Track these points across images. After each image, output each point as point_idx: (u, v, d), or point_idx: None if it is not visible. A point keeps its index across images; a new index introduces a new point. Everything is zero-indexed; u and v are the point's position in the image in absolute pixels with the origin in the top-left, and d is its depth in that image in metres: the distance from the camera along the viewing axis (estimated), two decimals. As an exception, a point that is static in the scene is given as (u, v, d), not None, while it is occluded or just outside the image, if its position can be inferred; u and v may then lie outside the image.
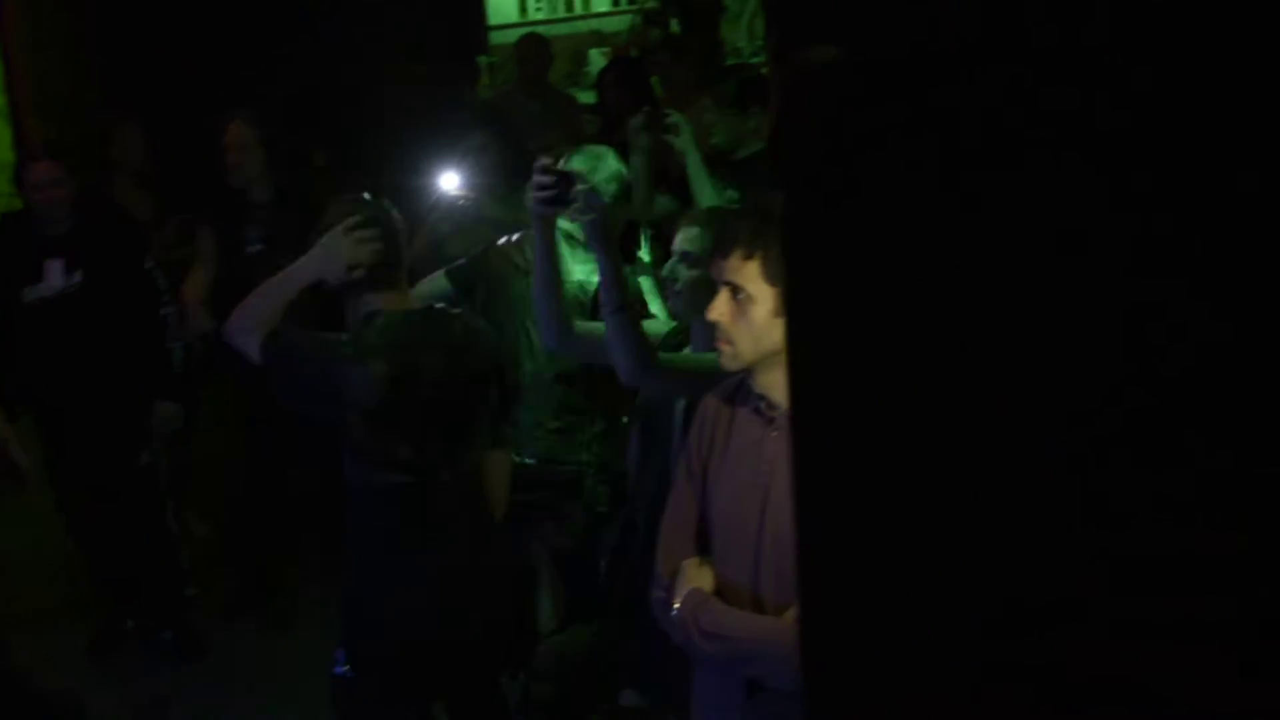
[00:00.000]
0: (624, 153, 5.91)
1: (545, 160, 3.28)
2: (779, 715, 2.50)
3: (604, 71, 7.24)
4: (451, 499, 3.45)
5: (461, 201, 4.86)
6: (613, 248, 3.18)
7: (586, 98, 8.14)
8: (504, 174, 5.06)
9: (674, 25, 9.69)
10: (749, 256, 2.55)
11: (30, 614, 5.68)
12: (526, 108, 7.33)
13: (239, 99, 5.84)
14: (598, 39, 10.34)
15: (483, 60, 9.52)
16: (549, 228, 3.31)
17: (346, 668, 3.45)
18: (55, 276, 5.03)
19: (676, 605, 2.62)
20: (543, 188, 3.22)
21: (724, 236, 2.63)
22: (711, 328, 2.66)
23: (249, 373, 4.35)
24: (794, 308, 1.17)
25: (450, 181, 4.92)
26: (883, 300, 1.14)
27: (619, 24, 10.53)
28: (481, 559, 3.54)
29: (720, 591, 2.61)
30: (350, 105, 8.27)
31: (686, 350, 3.42)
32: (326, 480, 4.87)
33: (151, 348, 5.22)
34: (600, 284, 3.19)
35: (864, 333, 1.16)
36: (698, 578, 2.64)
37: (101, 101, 8.46)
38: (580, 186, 3.16)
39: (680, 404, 3.31)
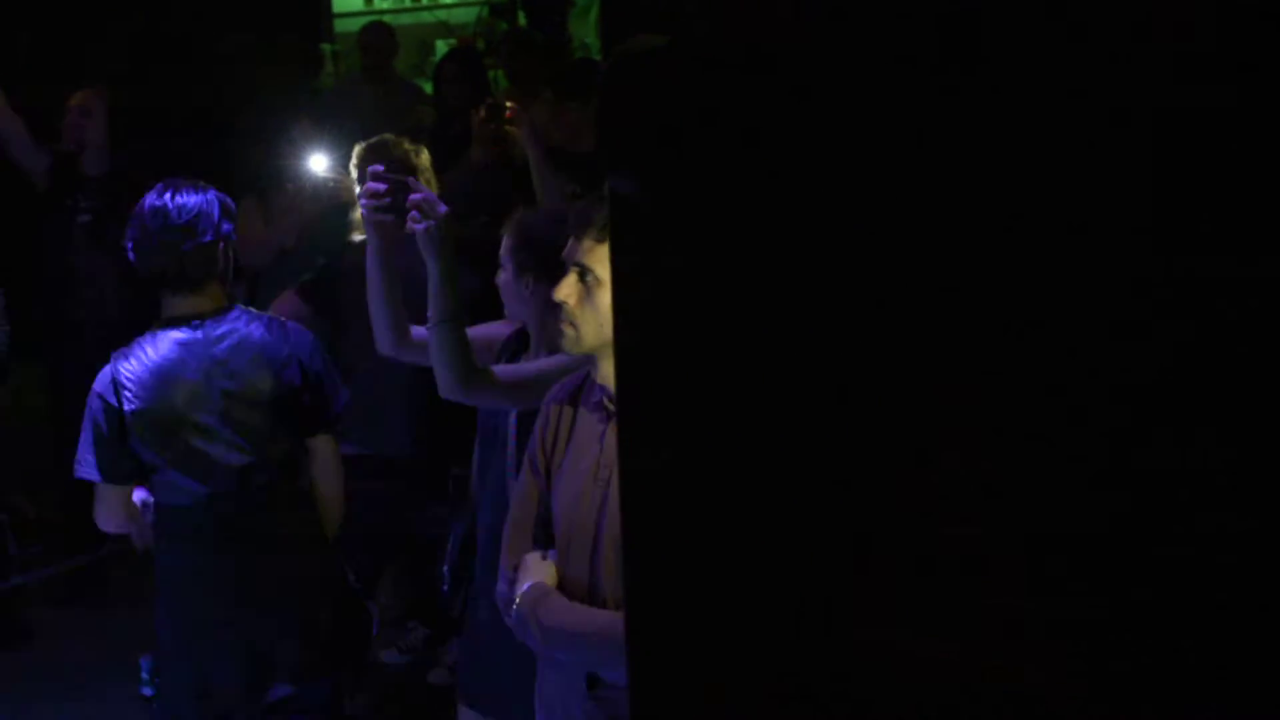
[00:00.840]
0: (463, 143, 5.88)
1: (377, 168, 3.25)
2: (619, 707, 2.51)
3: (443, 62, 7.17)
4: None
5: (331, 183, 4.78)
6: (445, 256, 3.13)
7: (432, 88, 8.07)
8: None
9: (521, 18, 9.66)
10: (601, 239, 2.54)
11: None
12: (370, 98, 7.25)
13: (73, 70, 5.73)
14: (444, 30, 10.26)
15: (327, 48, 9.38)
16: (384, 233, 3.27)
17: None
18: None
19: (518, 597, 2.61)
20: (375, 195, 3.18)
21: (578, 219, 2.62)
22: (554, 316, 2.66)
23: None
24: (618, 292, 1.18)
25: (320, 163, 4.83)
26: (700, 285, 1.15)
27: (466, 15, 10.46)
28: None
29: (562, 587, 2.61)
30: (189, 86, 8.09)
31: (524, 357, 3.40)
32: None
33: None
34: (429, 293, 3.13)
35: (682, 317, 1.17)
36: (539, 572, 2.64)
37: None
38: (416, 195, 3.12)
39: (513, 411, 3.30)
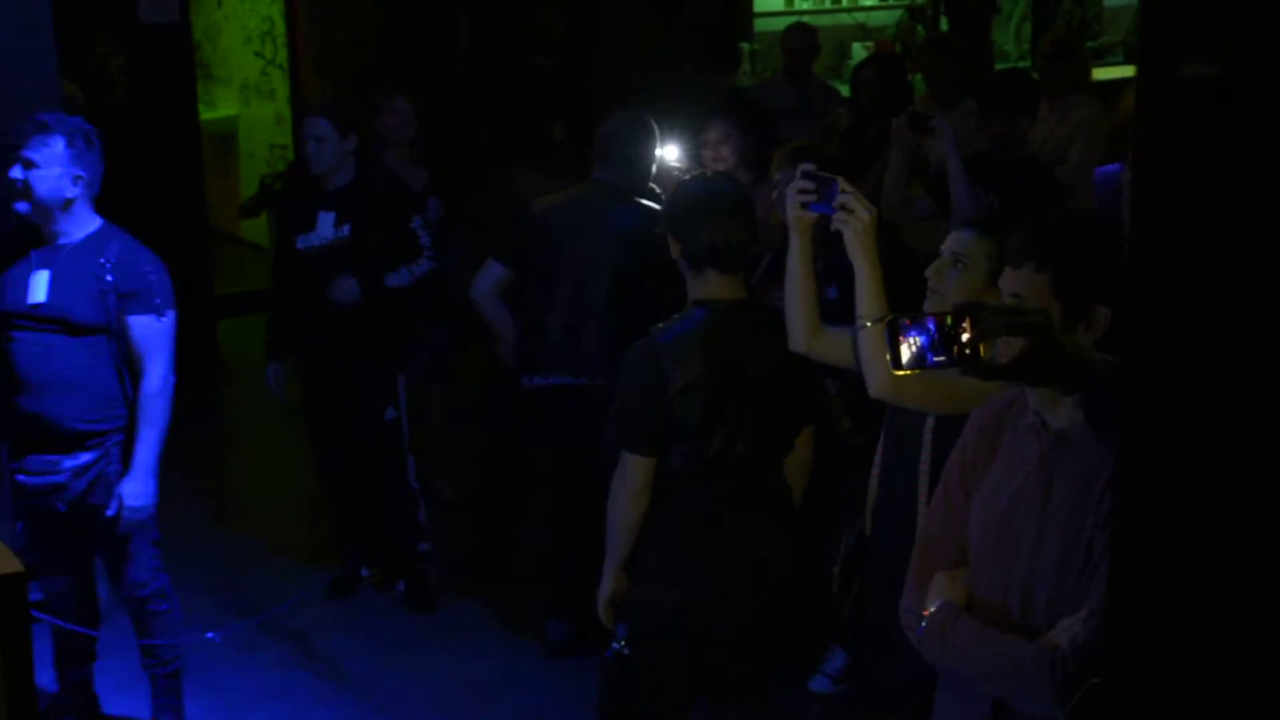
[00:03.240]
0: (876, 149, 5.86)
1: (807, 165, 3.27)
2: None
3: (860, 66, 7.14)
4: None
5: (678, 174, 4.86)
6: (873, 255, 3.14)
7: (848, 90, 8.07)
8: (742, 167, 5.06)
9: (943, 23, 9.54)
10: (1041, 269, 2.48)
11: (274, 554, 5.96)
12: (788, 98, 7.33)
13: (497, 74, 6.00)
14: (862, 32, 10.24)
15: (745, 46, 9.53)
16: (805, 230, 3.30)
17: (622, 645, 3.52)
18: (326, 228, 5.27)
19: (926, 615, 2.58)
20: (804, 191, 3.21)
21: (1017, 247, 2.55)
22: None
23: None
24: (1135, 327, 1.14)
25: (671, 153, 4.93)
26: (1231, 324, 1.11)
27: (885, 18, 10.41)
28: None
29: (971, 609, 2.56)
30: (606, 80, 8.39)
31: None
32: (562, 452, 5.01)
33: (404, 309, 5.44)
34: (858, 292, 3.14)
35: (1207, 348, 1.13)
36: (949, 591, 2.60)
37: (378, 64, 8.79)
38: (844, 192, 3.13)
39: (931, 418, 3.26)
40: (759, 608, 3.52)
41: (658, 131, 4.93)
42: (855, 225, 3.12)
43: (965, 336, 2.26)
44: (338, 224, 5.27)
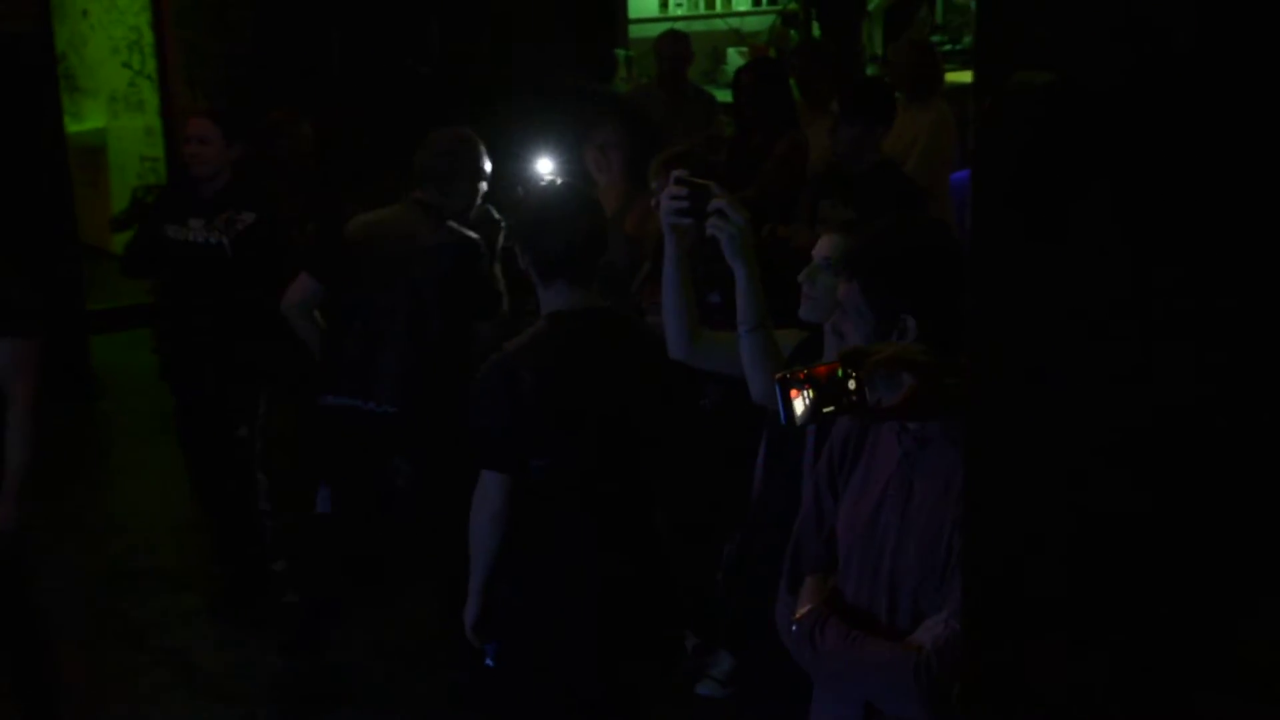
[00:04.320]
0: (761, 155, 5.92)
1: (681, 171, 3.28)
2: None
3: (741, 71, 7.19)
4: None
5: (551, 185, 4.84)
6: (751, 261, 3.16)
7: (723, 96, 8.14)
8: (627, 174, 5.07)
9: (815, 29, 9.65)
10: (852, 279, 2.57)
11: (148, 571, 5.84)
12: (664, 104, 7.36)
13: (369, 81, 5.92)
14: (737, 38, 10.34)
15: (621, 53, 9.57)
16: (681, 238, 3.31)
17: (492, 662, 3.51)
18: (197, 232, 5.18)
19: (796, 619, 2.60)
20: (678, 198, 3.21)
21: (841, 259, 2.65)
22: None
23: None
24: (976, 330, 1.17)
25: (545, 165, 4.88)
26: (1070, 329, 1.13)
27: (759, 24, 10.53)
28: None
29: (842, 611, 2.59)
30: (478, 84, 8.35)
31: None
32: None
33: (268, 325, 5.28)
34: (738, 299, 3.16)
35: (1046, 359, 1.16)
36: (820, 595, 2.62)
37: (250, 75, 8.66)
38: (716, 200, 3.15)
39: None
40: (625, 615, 3.54)
41: (482, 148, 4.79)
42: (730, 231, 3.14)
43: (852, 385, 2.29)
44: (208, 229, 5.19)
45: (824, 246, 3.30)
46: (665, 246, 3.34)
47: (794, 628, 2.60)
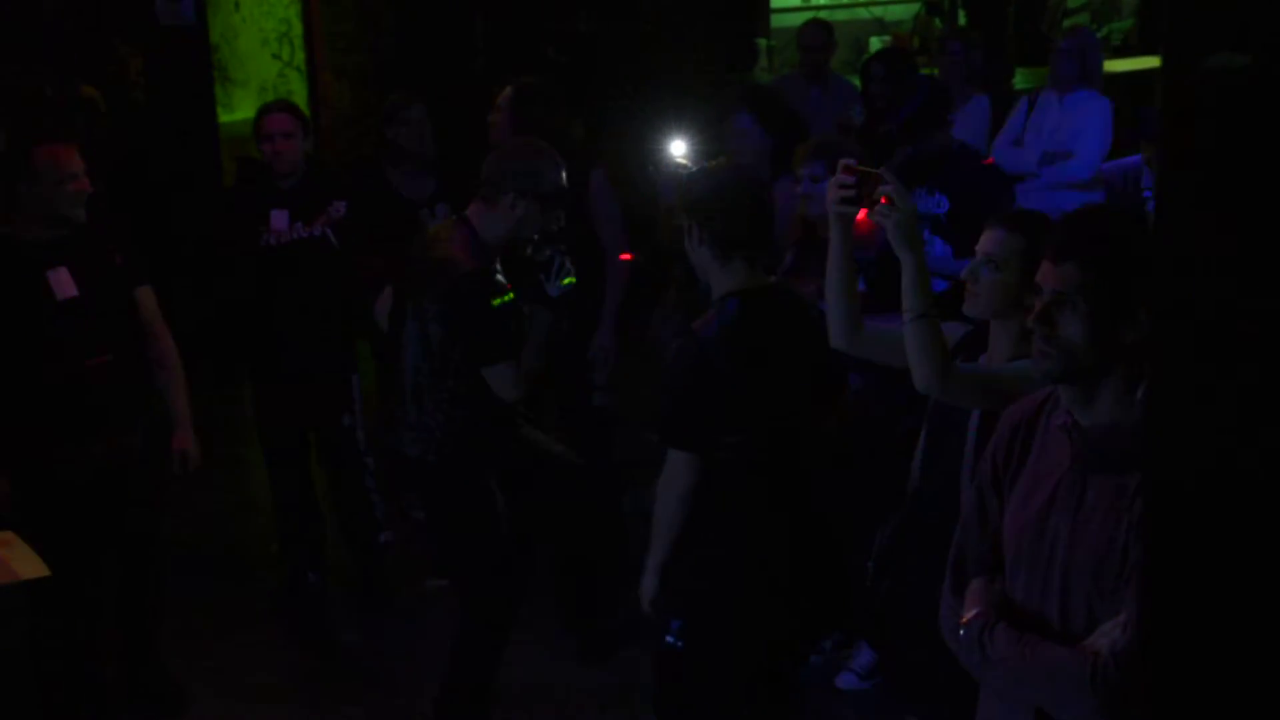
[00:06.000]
0: (890, 145, 5.83)
1: (849, 160, 3.26)
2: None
3: (869, 62, 7.12)
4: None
5: (682, 171, 4.78)
6: (918, 249, 3.12)
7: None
8: (765, 161, 5.04)
9: (961, 17, 9.51)
10: (1086, 266, 2.43)
11: (231, 562, 5.98)
12: (806, 94, 7.30)
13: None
14: (879, 26, 10.23)
15: (762, 43, 9.52)
16: (847, 226, 3.29)
17: (675, 639, 3.52)
18: (281, 224, 5.19)
19: (964, 623, 2.54)
20: (844, 186, 3.20)
21: (1059, 242, 2.50)
22: (1020, 333, 2.57)
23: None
24: (1165, 325, 1.13)
25: (677, 149, 4.84)
26: (1262, 317, 1.09)
27: (902, 12, 10.40)
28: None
29: (1008, 612, 2.54)
30: (620, 74, 8.36)
31: (984, 357, 3.34)
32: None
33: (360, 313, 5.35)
34: (903, 287, 3.13)
35: (1240, 344, 1.11)
36: (986, 597, 2.56)
37: (395, 65, 8.79)
38: (885, 186, 3.12)
39: (976, 412, 3.24)
40: (810, 595, 3.54)
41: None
42: (897, 218, 3.10)
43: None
44: (304, 223, 5.22)
45: (986, 242, 3.24)
46: (831, 235, 3.33)
47: (961, 632, 2.54)
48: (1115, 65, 8.98)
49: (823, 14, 9.13)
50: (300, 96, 10.25)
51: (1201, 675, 1.18)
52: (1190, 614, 1.19)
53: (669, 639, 3.50)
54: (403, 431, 4.22)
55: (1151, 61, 8.82)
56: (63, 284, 4.25)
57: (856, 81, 8.01)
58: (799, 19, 8.82)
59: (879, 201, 3.12)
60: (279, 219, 5.21)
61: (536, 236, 4.22)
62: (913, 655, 3.37)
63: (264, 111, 5.30)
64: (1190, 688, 1.18)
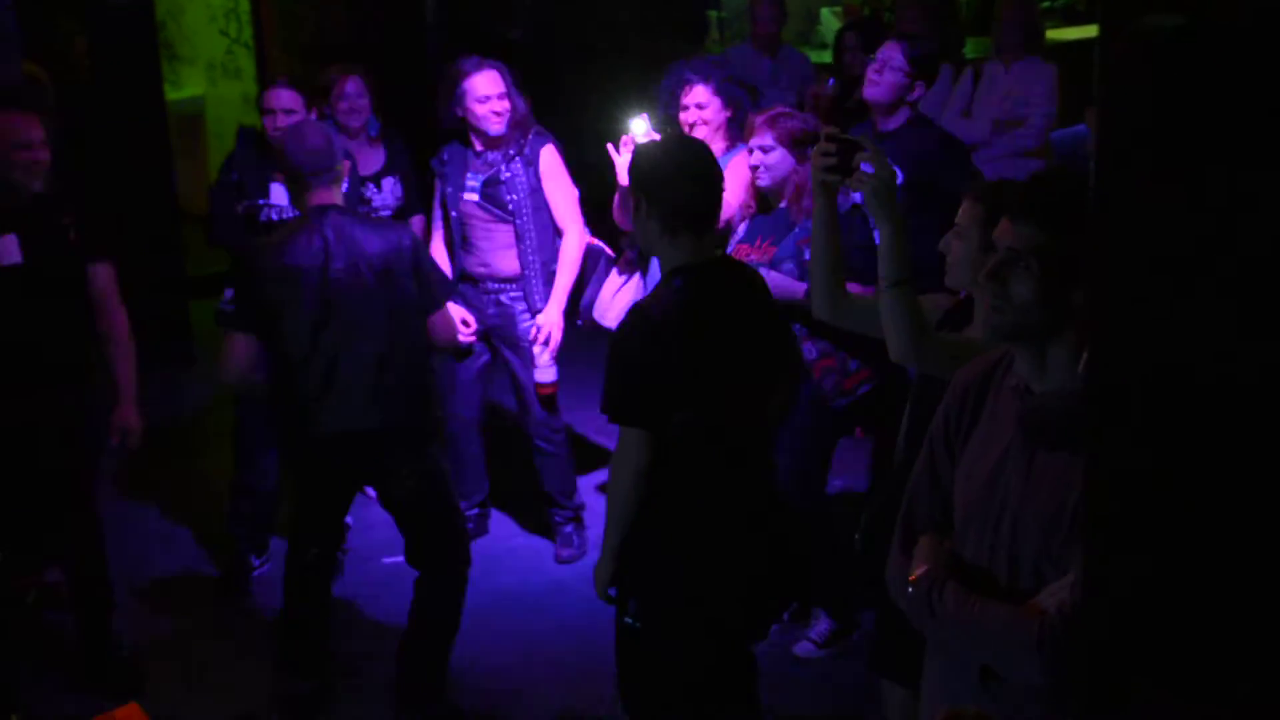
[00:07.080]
0: (862, 113, 5.84)
1: (831, 129, 3.27)
2: (1014, 706, 2.42)
3: (842, 32, 7.14)
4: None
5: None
6: (895, 217, 3.12)
7: (820, 57, 8.06)
8: (718, 133, 5.04)
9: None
10: (1045, 226, 2.42)
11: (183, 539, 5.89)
12: (758, 66, 7.30)
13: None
14: (831, -2, 10.24)
15: (713, 15, 9.50)
16: (830, 195, 3.30)
17: (634, 620, 3.51)
18: (281, 199, 5.18)
19: (912, 581, 2.56)
20: (828, 154, 3.20)
21: (1020, 202, 2.49)
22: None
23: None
24: (1100, 281, 1.13)
25: (639, 126, 4.81)
26: (1195, 282, 1.09)
27: (853, -16, 10.39)
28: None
29: (957, 571, 2.55)
30: (568, 47, 8.31)
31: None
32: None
33: None
34: (879, 254, 3.13)
35: (1170, 310, 1.12)
36: (935, 555, 2.58)
37: (345, 40, 8.71)
38: (864, 154, 3.13)
39: None
40: (767, 570, 3.56)
41: None
42: (874, 185, 3.11)
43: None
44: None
45: (960, 214, 3.25)
46: (814, 204, 3.33)
47: (910, 589, 2.55)
48: (1069, 33, 9.02)
49: (773, -14, 9.08)
50: (249, 73, 10.16)
51: (1144, 632, 1.19)
52: (1132, 570, 1.19)
53: (627, 619, 3.49)
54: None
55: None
56: (8, 251, 4.30)
57: (811, 54, 8.03)
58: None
59: (857, 168, 3.13)
60: (278, 193, 5.23)
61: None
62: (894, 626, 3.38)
63: (269, 87, 5.45)
64: (1132, 644, 1.19)
